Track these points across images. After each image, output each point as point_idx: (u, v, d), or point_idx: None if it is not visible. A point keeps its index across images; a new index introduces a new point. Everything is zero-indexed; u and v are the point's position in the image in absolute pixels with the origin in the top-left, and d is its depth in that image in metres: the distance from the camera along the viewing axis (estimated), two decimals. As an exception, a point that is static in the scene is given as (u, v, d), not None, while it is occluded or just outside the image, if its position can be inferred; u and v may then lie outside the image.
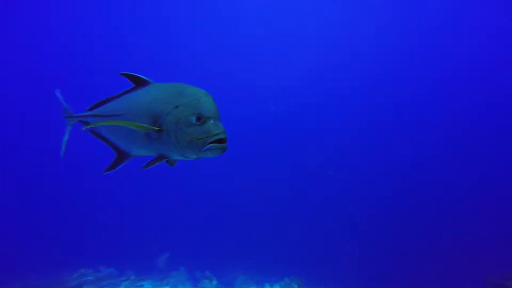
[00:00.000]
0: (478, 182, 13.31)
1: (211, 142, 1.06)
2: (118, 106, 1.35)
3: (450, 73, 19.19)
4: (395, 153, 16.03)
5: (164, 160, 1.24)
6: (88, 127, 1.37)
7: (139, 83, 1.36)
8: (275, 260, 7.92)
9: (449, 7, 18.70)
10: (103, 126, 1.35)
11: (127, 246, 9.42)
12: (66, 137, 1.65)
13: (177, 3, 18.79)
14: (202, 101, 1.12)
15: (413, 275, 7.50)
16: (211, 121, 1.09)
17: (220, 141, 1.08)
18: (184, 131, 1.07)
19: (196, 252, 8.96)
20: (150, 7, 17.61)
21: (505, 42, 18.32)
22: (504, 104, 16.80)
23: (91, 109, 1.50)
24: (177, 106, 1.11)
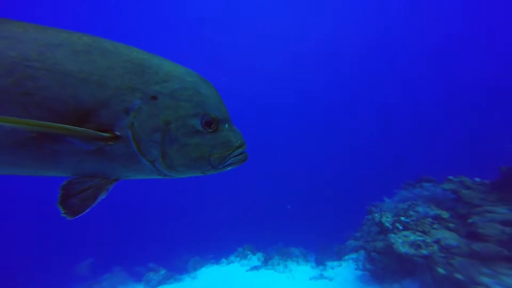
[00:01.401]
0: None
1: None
2: None
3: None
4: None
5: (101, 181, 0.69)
6: None
7: None
8: (227, 238, 8.32)
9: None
10: None
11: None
12: None
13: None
14: (203, 93, 0.70)
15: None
16: (226, 126, 0.73)
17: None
18: (183, 143, 0.66)
19: (139, 247, 8.37)
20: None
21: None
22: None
23: None
24: (153, 97, 0.65)
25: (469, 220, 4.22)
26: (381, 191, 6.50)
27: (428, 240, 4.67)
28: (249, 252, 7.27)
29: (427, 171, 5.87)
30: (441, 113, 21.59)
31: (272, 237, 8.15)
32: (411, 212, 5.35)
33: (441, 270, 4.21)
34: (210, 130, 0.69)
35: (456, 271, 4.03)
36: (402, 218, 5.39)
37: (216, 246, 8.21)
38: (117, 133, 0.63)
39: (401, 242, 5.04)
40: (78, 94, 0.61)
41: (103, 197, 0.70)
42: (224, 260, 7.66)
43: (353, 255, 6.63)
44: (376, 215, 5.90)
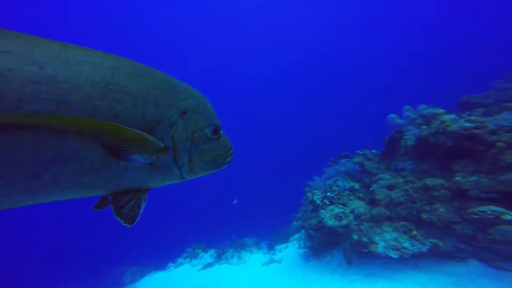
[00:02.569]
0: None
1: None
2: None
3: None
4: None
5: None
6: None
7: None
8: (175, 242, 8.10)
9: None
10: None
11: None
12: None
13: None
14: (208, 106, 0.83)
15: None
16: (222, 132, 0.86)
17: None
18: (202, 149, 0.77)
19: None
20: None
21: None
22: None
23: None
24: (184, 112, 0.75)
25: (370, 189, 4.71)
26: (314, 171, 6.91)
27: (347, 211, 5.14)
28: (200, 251, 7.22)
29: (347, 148, 6.35)
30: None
31: (224, 233, 8.25)
32: (334, 187, 5.81)
33: (355, 236, 4.68)
34: (216, 136, 0.83)
35: (363, 235, 4.52)
36: (328, 194, 5.84)
37: (162, 252, 7.95)
38: (166, 145, 0.72)
39: (328, 216, 5.47)
40: (144, 113, 0.68)
41: (145, 205, 0.78)
42: (171, 264, 7.30)
43: (297, 235, 7.05)
44: (309, 194, 6.30)
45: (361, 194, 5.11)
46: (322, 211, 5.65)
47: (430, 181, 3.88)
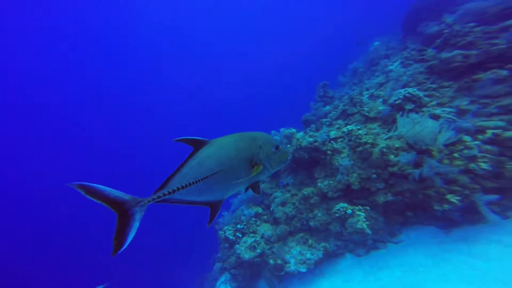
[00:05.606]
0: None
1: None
2: (205, 167, 1.41)
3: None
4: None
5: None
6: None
7: (198, 144, 1.48)
8: None
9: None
10: (195, 189, 1.39)
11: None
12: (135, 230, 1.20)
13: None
14: (269, 138, 1.62)
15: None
16: (281, 146, 1.62)
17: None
18: (274, 158, 1.58)
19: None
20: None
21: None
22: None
23: (164, 185, 1.35)
24: (260, 146, 1.55)
25: (271, 209, 5.03)
26: (224, 205, 6.70)
27: (258, 238, 5.25)
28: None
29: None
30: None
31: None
32: (242, 217, 5.85)
33: (271, 261, 4.80)
34: (278, 150, 1.60)
35: (277, 258, 4.69)
36: (238, 226, 5.81)
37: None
38: (259, 163, 1.54)
39: (244, 249, 5.38)
40: (248, 154, 1.54)
41: None
42: None
43: (222, 278, 6.56)
44: (220, 232, 6.04)
45: (265, 217, 5.37)
46: (237, 246, 5.49)
47: (305, 191, 4.57)
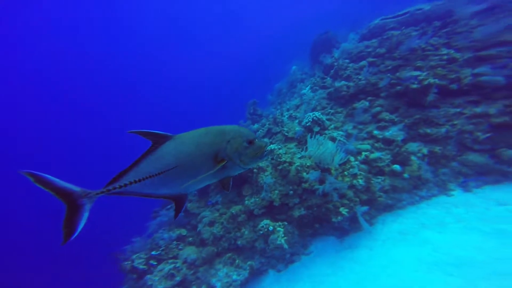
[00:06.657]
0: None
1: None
2: (162, 162, 1.38)
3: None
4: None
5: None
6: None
7: (160, 138, 1.42)
8: None
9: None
10: (150, 184, 1.37)
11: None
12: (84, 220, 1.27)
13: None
14: (241, 132, 1.53)
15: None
16: (256, 140, 1.54)
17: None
18: (246, 153, 1.50)
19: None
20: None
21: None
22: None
23: (118, 179, 1.34)
24: (228, 141, 1.47)
25: (198, 229, 4.71)
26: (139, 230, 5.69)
27: (178, 264, 4.79)
28: None
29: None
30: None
31: None
32: (160, 242, 5.19)
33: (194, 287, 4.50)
34: (251, 145, 1.52)
35: (202, 283, 4.45)
36: (153, 253, 5.11)
37: None
38: (226, 158, 1.48)
39: (158, 279, 4.77)
40: (214, 148, 1.47)
41: None
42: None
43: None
44: (127, 263, 5.12)
45: (190, 239, 4.99)
46: (148, 276, 4.79)
47: (233, 210, 4.61)
